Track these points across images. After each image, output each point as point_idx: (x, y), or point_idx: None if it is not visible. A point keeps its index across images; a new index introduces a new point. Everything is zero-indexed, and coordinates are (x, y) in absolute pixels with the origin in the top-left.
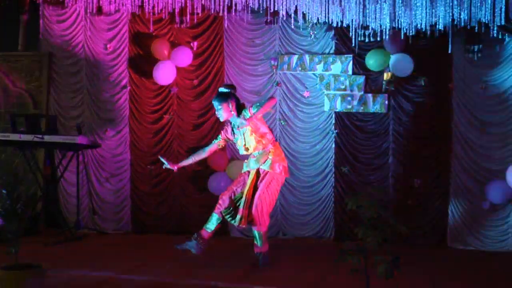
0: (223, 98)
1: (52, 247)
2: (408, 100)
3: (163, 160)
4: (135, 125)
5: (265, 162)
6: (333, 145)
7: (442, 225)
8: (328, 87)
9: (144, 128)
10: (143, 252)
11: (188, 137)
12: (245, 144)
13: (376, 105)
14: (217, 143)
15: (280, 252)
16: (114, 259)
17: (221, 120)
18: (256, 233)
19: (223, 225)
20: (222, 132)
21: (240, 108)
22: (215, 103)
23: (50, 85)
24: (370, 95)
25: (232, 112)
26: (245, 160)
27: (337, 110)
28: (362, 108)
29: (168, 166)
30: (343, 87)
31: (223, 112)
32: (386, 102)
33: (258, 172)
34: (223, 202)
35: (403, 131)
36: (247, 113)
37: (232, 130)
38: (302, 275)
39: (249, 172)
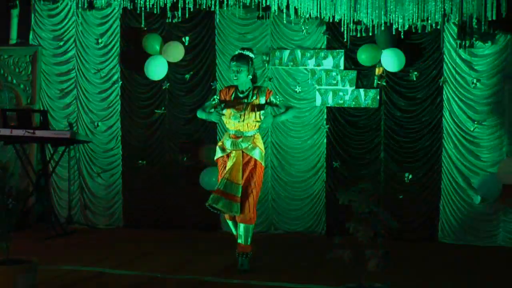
0: (248, 60)
1: (43, 242)
2: (399, 95)
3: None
4: (126, 120)
5: (254, 148)
6: (325, 140)
7: (433, 220)
8: (320, 82)
9: (135, 123)
10: (135, 247)
11: (179, 132)
12: (241, 114)
13: (368, 100)
14: (214, 103)
15: (271, 247)
16: (106, 254)
17: (236, 82)
18: (244, 228)
19: (212, 219)
20: (221, 92)
21: (254, 77)
22: (238, 63)
23: (41, 80)
24: (361, 90)
25: (249, 77)
26: (219, 143)
27: (329, 105)
28: (353, 103)
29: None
30: (334, 82)
31: (243, 74)
32: (378, 97)
33: (240, 155)
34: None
35: (394, 126)
36: (264, 92)
37: (234, 95)
38: (294, 269)
39: (228, 155)
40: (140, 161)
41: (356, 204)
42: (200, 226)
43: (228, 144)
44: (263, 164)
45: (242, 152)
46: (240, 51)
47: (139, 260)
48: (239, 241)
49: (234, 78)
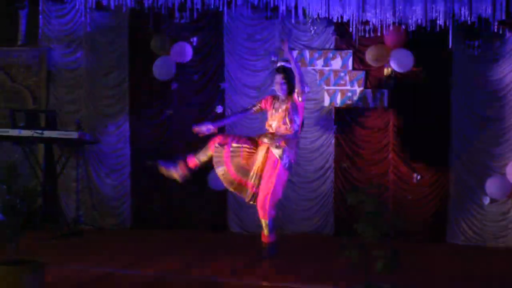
0: (290, 74)
1: (51, 243)
2: (408, 95)
3: (202, 128)
4: (134, 121)
5: (277, 146)
6: (333, 141)
7: (442, 220)
8: (328, 82)
9: (143, 124)
10: (143, 247)
11: (187, 133)
12: (274, 119)
13: (376, 100)
14: (253, 108)
15: (280, 247)
16: (114, 254)
17: (281, 93)
18: (262, 221)
19: (220, 219)
20: (262, 100)
21: (291, 88)
22: (283, 76)
23: (50, 80)
24: (370, 90)
25: (285, 88)
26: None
27: (337, 106)
28: (362, 103)
29: (206, 131)
30: (343, 82)
31: (286, 86)
32: (386, 97)
33: (267, 152)
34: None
35: (403, 127)
36: (298, 97)
37: (274, 103)
38: (302, 270)
39: (256, 143)
40: (148, 162)
41: (365, 205)
42: (209, 227)
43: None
44: (283, 160)
45: (270, 150)
46: (283, 64)
47: (147, 260)
48: (262, 231)
49: (279, 89)
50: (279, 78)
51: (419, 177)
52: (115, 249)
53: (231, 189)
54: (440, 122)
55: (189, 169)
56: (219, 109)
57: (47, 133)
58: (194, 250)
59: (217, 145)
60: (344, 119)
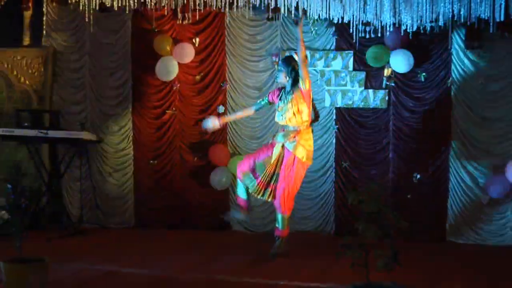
0: (293, 63)
1: (55, 241)
2: (408, 95)
3: (208, 124)
4: (138, 121)
5: (291, 141)
6: (334, 141)
7: (442, 219)
8: (329, 83)
9: (146, 123)
10: (146, 246)
11: (190, 132)
12: (282, 112)
13: (377, 100)
14: (263, 103)
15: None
16: (118, 253)
17: (278, 80)
18: (279, 216)
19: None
20: (269, 93)
21: (295, 78)
22: (286, 66)
23: (54, 81)
24: (370, 91)
25: (288, 78)
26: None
27: (338, 106)
28: (362, 103)
29: (212, 127)
30: (343, 83)
31: (282, 74)
32: (387, 97)
33: (282, 148)
34: (243, 169)
35: (403, 127)
36: (302, 85)
37: (281, 95)
38: (303, 269)
39: (273, 145)
40: (151, 161)
41: (365, 204)
42: (211, 226)
43: (275, 136)
44: (299, 154)
45: (284, 146)
46: (286, 55)
47: (150, 259)
48: (276, 225)
49: (276, 77)
50: (282, 68)
51: (419, 176)
52: (119, 248)
53: (257, 196)
54: (440, 122)
55: (245, 208)
56: (220, 109)
57: (52, 133)
58: (197, 249)
59: (243, 174)
60: (345, 119)
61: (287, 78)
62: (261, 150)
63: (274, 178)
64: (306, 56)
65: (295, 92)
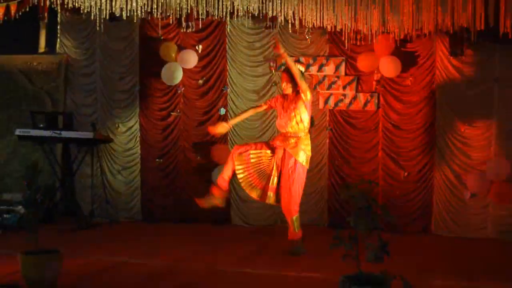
0: (289, 74)
1: (69, 234)
2: (396, 98)
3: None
4: (144, 122)
5: (293, 148)
6: (327, 140)
7: (427, 214)
8: (323, 86)
9: (153, 125)
10: (153, 239)
11: (193, 133)
12: (285, 120)
13: (367, 103)
14: (263, 106)
15: (278, 239)
16: (127, 245)
17: (287, 92)
18: (291, 219)
19: (224, 214)
20: (272, 99)
21: (295, 87)
22: (286, 75)
23: (67, 86)
24: (361, 94)
25: (291, 89)
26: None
27: (331, 108)
28: (354, 106)
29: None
30: (336, 86)
31: (291, 85)
32: (376, 100)
33: (284, 153)
34: (241, 151)
35: (391, 127)
36: (303, 96)
37: (283, 102)
38: (298, 259)
39: (272, 147)
40: (157, 160)
41: (356, 199)
42: (213, 220)
43: (276, 142)
44: (300, 158)
45: (286, 151)
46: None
47: (157, 250)
48: (290, 230)
49: (285, 88)
50: (283, 77)
51: (406, 174)
52: (127, 240)
53: (256, 198)
54: (425, 123)
55: (223, 190)
56: (222, 112)
57: (65, 134)
58: (200, 241)
59: (236, 155)
60: (338, 120)
61: (291, 88)
62: (261, 144)
63: (270, 181)
64: (301, 72)
65: (298, 101)
